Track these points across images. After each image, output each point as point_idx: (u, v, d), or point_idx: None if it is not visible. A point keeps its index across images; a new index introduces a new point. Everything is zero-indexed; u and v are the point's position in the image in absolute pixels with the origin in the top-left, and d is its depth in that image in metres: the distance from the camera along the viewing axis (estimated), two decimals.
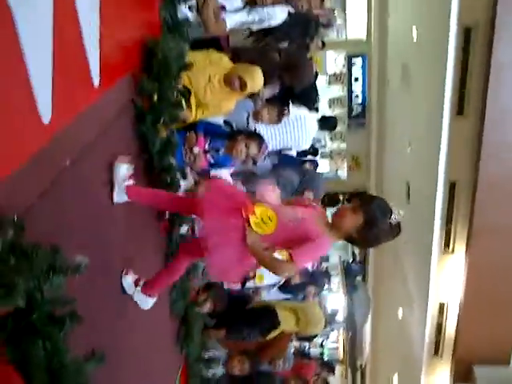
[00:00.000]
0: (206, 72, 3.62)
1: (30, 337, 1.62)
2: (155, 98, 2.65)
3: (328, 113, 13.29)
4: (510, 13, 6.54)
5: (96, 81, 2.24)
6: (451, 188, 8.26)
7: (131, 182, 2.54)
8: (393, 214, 2.34)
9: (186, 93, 3.12)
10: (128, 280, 2.68)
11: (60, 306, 1.70)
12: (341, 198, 14.10)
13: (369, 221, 2.31)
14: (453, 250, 8.62)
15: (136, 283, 2.72)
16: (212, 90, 3.67)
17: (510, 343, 8.81)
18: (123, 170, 2.48)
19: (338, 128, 13.72)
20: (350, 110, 12.03)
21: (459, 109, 7.64)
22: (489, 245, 7.84)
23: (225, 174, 4.37)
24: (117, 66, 2.44)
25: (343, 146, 13.67)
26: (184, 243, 3.11)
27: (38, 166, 1.79)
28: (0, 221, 1.53)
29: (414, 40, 8.73)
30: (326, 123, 6.46)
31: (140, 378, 2.92)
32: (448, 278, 8.76)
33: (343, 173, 13.71)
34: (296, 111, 5.15)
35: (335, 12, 9.82)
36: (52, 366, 1.72)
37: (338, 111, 13.29)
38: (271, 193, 2.64)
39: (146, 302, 2.81)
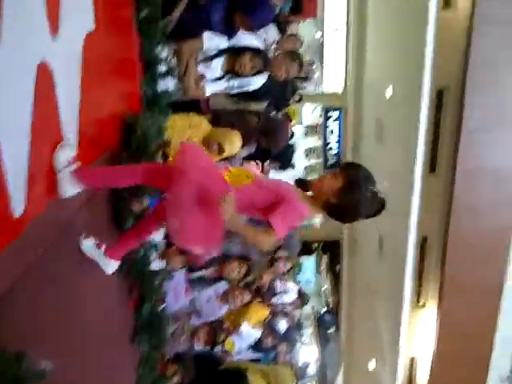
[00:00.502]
0: (185, 135, 3.65)
1: None
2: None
3: (305, 163, 13.46)
4: (479, 78, 6.80)
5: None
6: (423, 243, 8.37)
7: (75, 165, 2.17)
8: (376, 183, 2.23)
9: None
10: (89, 243, 2.47)
11: None
12: (315, 246, 14.17)
13: (350, 183, 2.18)
14: (424, 305, 8.68)
15: (98, 246, 2.52)
16: None
17: None
18: (63, 155, 2.13)
19: (314, 177, 13.88)
20: (326, 160, 12.19)
21: (431, 166, 7.83)
22: (459, 300, 7.92)
23: None
24: (95, 144, 2.44)
25: None
26: (157, 205, 2.80)
27: (6, 261, 1.75)
28: None
29: (389, 97, 8.97)
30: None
31: None
32: (419, 332, 8.78)
33: (317, 221, 13.75)
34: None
35: (313, 65, 10.07)
36: None
37: (313, 161, 13.44)
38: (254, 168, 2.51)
39: (110, 265, 2.61)
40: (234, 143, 4.02)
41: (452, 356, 8.20)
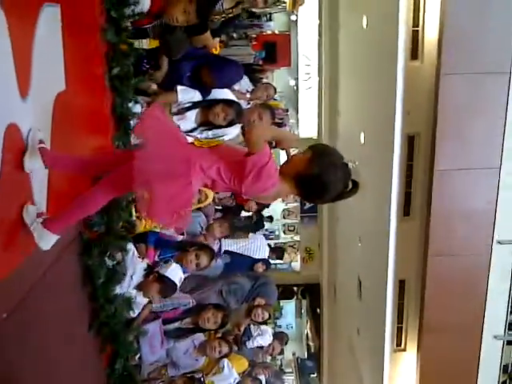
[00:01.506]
0: None
1: None
2: (103, 229, 2.65)
3: (282, 206, 13.57)
4: (449, 125, 7.02)
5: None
6: (401, 286, 8.40)
7: (43, 145, 2.16)
8: (344, 159, 2.17)
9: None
10: (30, 209, 2.18)
11: None
12: (295, 289, 14.15)
13: (318, 153, 2.12)
14: (405, 348, 8.64)
15: (39, 215, 2.21)
16: None
17: None
18: (35, 134, 2.13)
19: (292, 220, 14.02)
20: (302, 203, 12.33)
21: (405, 210, 7.94)
22: (439, 342, 7.90)
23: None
24: (63, 198, 2.44)
25: (296, 238, 13.85)
26: (112, 172, 2.27)
27: None
28: None
29: (362, 142, 9.18)
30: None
31: None
32: (401, 376, 8.71)
33: (297, 265, 13.78)
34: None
35: (288, 112, 10.31)
36: None
37: (290, 205, 13.57)
38: None
39: (47, 239, 2.19)
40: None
41: None
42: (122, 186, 2.21)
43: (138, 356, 3.71)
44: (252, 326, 5.83)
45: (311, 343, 14.42)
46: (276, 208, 13.80)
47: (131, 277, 3.20)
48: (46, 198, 2.28)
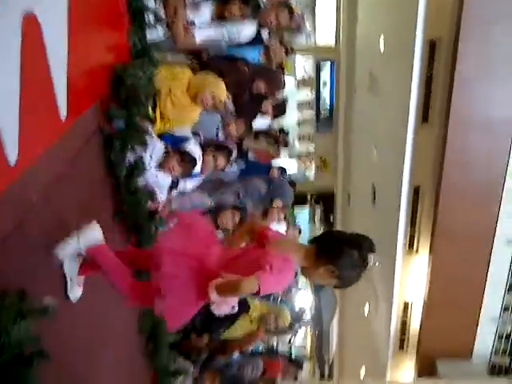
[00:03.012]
0: (166, 84, 3.62)
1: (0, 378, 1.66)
2: (122, 124, 2.68)
3: (297, 116, 13.41)
4: (472, 29, 6.75)
5: (63, 112, 2.25)
6: (415, 192, 8.48)
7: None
8: (367, 262, 2.21)
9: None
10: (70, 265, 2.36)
11: (28, 346, 1.74)
12: (308, 197, 14.31)
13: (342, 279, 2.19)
14: (417, 251, 8.87)
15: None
16: (173, 102, 3.69)
17: (471, 339, 9.13)
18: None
19: (307, 130, 13.92)
20: (318, 113, 12.17)
21: (424, 116, 7.85)
22: (451, 246, 8.10)
23: (191, 184, 4.41)
24: (84, 95, 2.46)
25: (311, 147, 13.82)
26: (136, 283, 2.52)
27: (2, 207, 1.81)
28: None
29: (382, 49, 8.90)
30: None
31: None
32: (412, 278, 9.01)
33: (311, 174, 13.85)
34: None
35: (305, 17, 9.91)
36: None
37: (306, 114, 13.42)
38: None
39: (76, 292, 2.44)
40: (222, 90, 3.96)
41: (444, 300, 8.44)
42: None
43: None
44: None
45: None
46: (291, 117, 13.68)
47: (150, 156, 3.23)
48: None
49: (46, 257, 2.13)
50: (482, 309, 8.82)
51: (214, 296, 2.03)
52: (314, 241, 2.19)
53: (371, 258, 2.25)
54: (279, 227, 6.22)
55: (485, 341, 9.21)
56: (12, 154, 1.84)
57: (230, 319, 4.67)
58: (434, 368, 9.45)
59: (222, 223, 4.74)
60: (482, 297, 8.70)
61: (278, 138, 7.18)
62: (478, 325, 8.99)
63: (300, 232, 7.49)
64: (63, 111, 2.25)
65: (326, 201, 13.75)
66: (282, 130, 7.84)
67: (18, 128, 1.87)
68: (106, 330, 2.86)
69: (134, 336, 3.40)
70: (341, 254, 2.12)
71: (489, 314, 8.90)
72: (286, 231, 6.74)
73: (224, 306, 2.13)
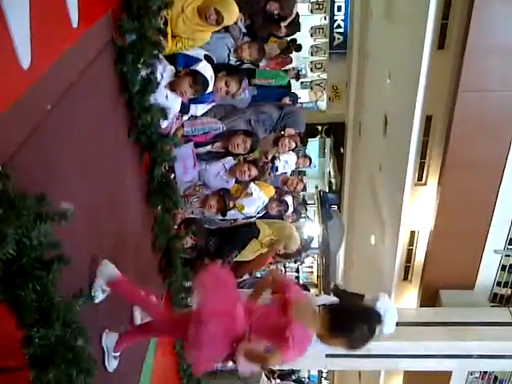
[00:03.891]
0: (178, 2, 3.51)
1: (20, 279, 1.71)
2: (135, 36, 2.61)
3: (310, 42, 13.06)
4: None
5: (75, 22, 2.20)
6: (427, 121, 8.35)
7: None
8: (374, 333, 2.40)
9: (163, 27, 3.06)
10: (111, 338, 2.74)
11: (48, 251, 1.78)
12: (319, 128, 14.19)
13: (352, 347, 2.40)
14: (425, 183, 8.85)
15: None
16: (185, 21, 3.61)
17: (475, 269, 9.28)
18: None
19: (319, 58, 13.59)
20: (332, 39, 11.81)
21: (440, 43, 7.60)
22: (460, 178, 8.07)
23: (203, 109, 4.37)
24: (96, 5, 2.39)
25: (323, 76, 13.54)
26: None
27: (18, 113, 1.80)
28: None
29: None
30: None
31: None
32: (420, 208, 9.04)
33: (323, 104, 13.66)
34: None
35: None
36: (42, 304, 1.83)
37: (319, 41, 13.04)
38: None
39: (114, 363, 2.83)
40: (232, 11, 3.85)
41: (450, 231, 8.52)
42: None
43: (172, 176, 3.86)
44: (277, 160, 5.99)
45: (333, 180, 14.89)
46: (303, 43, 13.33)
47: (161, 74, 3.18)
48: None
49: (60, 164, 2.13)
50: (488, 240, 8.90)
51: (241, 359, 2.36)
52: (330, 312, 2.40)
53: (378, 328, 2.53)
54: (290, 157, 6.21)
55: (488, 272, 9.36)
56: (25, 60, 1.81)
57: (242, 244, 4.75)
58: (437, 298, 9.68)
59: (233, 148, 4.74)
60: (488, 229, 8.76)
61: (289, 44, 7.06)
62: (482, 256, 9.10)
63: (310, 162, 7.49)
64: (74, 18, 2.19)
65: (336, 132, 13.64)
66: (293, 40, 7.70)
67: (29, 34, 1.83)
68: (119, 246, 2.92)
69: (149, 253, 3.48)
70: (353, 330, 2.36)
71: (494, 246, 8.99)
72: (297, 162, 6.74)
73: (248, 366, 2.45)
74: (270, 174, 5.90)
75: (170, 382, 3.94)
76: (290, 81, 7.03)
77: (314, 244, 10.93)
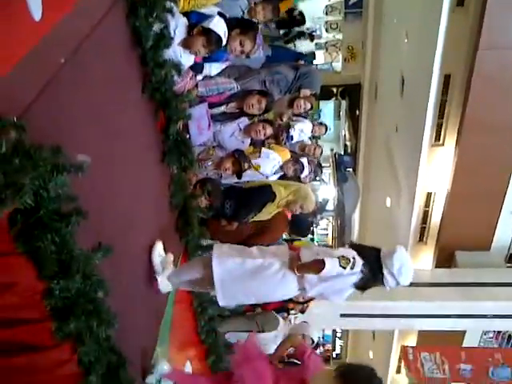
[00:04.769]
0: None
1: (39, 231, 1.73)
2: None
3: (325, 1, 12.75)
4: None
5: None
6: (445, 81, 8.20)
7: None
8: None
9: None
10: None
11: (65, 203, 1.79)
12: (334, 91, 14.00)
13: None
14: (443, 143, 8.76)
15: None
16: None
17: (491, 230, 9.26)
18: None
19: (335, 18, 13.29)
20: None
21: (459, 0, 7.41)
22: (478, 139, 7.96)
23: (217, 69, 4.31)
24: None
25: (339, 36, 13.27)
26: None
27: (32, 65, 1.79)
28: (1, 123, 1.57)
29: None
30: None
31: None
32: (437, 170, 8.98)
33: (338, 65, 13.43)
34: None
35: None
36: (62, 257, 1.85)
37: (334, 0, 12.75)
38: None
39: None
40: None
41: (467, 192, 8.46)
42: None
43: (187, 137, 3.84)
44: (292, 129, 5.93)
45: (348, 143, 14.77)
46: (318, 5, 13.06)
47: (174, 31, 3.13)
48: None
49: (75, 117, 2.12)
50: (505, 202, 8.84)
51: None
52: (340, 376, 2.36)
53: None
54: (305, 126, 6.14)
55: (505, 233, 9.33)
56: (36, 12, 1.78)
57: (258, 208, 4.75)
58: (453, 259, 9.71)
59: (247, 108, 4.70)
60: (506, 190, 8.69)
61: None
62: (499, 217, 9.06)
63: (326, 129, 7.40)
64: None
65: (351, 94, 13.45)
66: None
67: None
68: (135, 204, 2.93)
69: (166, 212, 3.49)
70: None
71: (510, 207, 8.94)
72: (313, 129, 6.65)
73: None
74: (285, 143, 5.85)
75: (188, 334, 4.01)
76: None
77: (329, 206, 10.93)
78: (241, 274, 3.09)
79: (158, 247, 3.14)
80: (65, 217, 1.79)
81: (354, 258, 2.91)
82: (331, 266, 2.87)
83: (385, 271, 2.95)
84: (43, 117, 1.85)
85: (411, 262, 2.95)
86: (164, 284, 3.18)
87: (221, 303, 3.21)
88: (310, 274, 2.98)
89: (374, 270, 2.96)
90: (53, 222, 1.76)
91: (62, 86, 1.99)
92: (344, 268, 2.87)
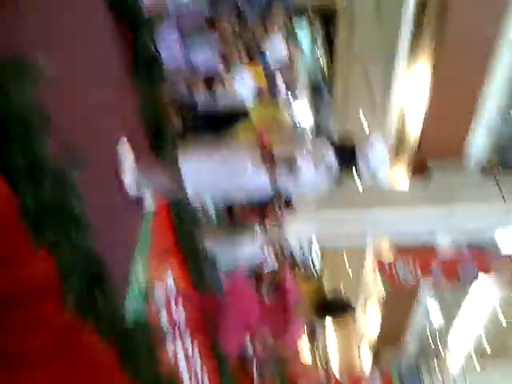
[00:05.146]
0: None
1: (5, 144, 1.69)
2: None
3: None
4: None
5: None
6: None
7: None
8: None
9: None
10: None
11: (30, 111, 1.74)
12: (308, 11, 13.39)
13: None
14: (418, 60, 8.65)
15: None
16: None
17: (466, 142, 9.31)
18: None
19: None
20: None
21: None
22: (454, 55, 7.83)
23: None
24: None
25: None
26: None
27: None
28: None
29: None
30: None
31: None
32: (411, 89, 8.93)
33: None
34: None
35: None
36: (34, 172, 1.81)
37: None
38: None
39: None
40: None
41: (444, 105, 8.42)
42: None
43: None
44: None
45: (325, 69, 14.41)
46: None
47: None
48: None
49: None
50: (480, 114, 8.89)
51: None
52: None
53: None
54: (277, 41, 5.96)
55: (479, 144, 9.42)
56: None
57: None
58: (428, 170, 9.79)
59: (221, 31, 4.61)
60: (481, 103, 8.70)
61: None
62: (472, 129, 9.13)
63: (302, 53, 7.17)
64: None
65: (327, 21, 12.92)
66: None
67: None
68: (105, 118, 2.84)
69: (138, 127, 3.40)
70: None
71: (485, 120, 9.00)
72: (288, 49, 6.44)
73: None
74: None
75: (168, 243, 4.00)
76: None
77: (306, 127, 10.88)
78: (210, 166, 3.01)
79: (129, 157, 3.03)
80: (30, 125, 1.74)
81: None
82: None
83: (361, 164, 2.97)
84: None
85: (386, 151, 2.97)
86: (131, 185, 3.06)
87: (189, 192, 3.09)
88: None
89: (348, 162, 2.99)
90: (19, 130, 1.71)
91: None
92: None
